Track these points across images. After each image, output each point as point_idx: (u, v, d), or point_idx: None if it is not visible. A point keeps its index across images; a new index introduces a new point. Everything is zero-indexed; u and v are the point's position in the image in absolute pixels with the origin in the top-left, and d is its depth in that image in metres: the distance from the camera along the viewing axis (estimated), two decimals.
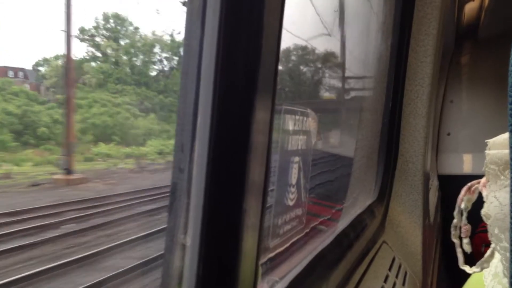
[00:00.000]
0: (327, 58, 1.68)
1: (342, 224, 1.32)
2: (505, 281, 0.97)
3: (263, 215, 0.52)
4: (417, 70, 1.86)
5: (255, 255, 0.51)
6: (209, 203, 0.45)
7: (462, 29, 3.80)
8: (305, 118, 0.77)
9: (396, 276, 1.50)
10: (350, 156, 1.82)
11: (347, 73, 1.89)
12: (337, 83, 1.86)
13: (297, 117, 0.73)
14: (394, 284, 1.41)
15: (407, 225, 1.88)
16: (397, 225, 1.87)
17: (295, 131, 0.73)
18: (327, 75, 1.83)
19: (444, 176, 3.91)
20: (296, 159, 0.75)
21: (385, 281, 1.34)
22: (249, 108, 0.47)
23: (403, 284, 1.54)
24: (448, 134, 4.08)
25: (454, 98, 4.09)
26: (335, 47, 1.59)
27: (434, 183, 3.40)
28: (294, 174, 0.75)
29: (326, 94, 1.87)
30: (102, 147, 26.87)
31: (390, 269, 1.48)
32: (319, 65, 1.73)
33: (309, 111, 0.79)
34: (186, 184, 0.47)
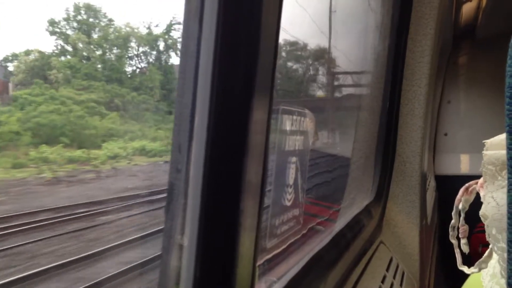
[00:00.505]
0: (324, 57, 1.68)
1: (340, 224, 1.32)
2: (503, 281, 0.97)
3: (260, 215, 0.52)
4: (415, 70, 1.86)
5: (252, 256, 0.51)
6: (206, 203, 0.45)
7: (459, 29, 3.81)
8: (302, 118, 0.76)
9: (394, 277, 1.50)
10: (347, 156, 1.82)
11: (344, 73, 1.89)
12: (334, 83, 1.86)
13: (294, 117, 0.73)
14: (392, 285, 1.42)
15: (404, 225, 1.88)
16: (394, 225, 1.87)
17: (292, 131, 0.73)
18: (324, 74, 1.83)
19: (441, 177, 3.91)
20: (294, 159, 0.75)
21: (383, 281, 1.34)
22: (247, 108, 0.47)
23: (401, 284, 1.54)
24: (446, 135, 4.09)
25: (451, 99, 4.10)
26: (333, 47, 1.59)
27: (431, 184, 3.40)
28: (291, 175, 0.74)
29: (322, 94, 1.87)
30: (43, 150, 22.47)
31: (387, 270, 1.48)
32: (316, 65, 1.73)
33: (306, 111, 0.79)
34: (183, 184, 0.46)
